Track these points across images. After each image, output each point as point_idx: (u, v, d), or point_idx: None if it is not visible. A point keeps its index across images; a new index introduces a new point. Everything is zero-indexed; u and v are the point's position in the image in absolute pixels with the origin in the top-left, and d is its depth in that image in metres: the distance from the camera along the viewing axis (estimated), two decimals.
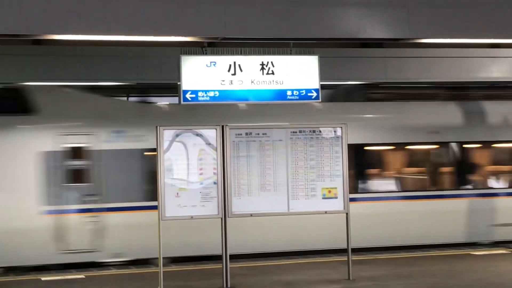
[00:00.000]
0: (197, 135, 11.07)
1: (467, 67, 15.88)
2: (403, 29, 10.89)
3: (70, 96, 14.79)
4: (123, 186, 14.12)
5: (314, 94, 11.94)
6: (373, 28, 10.95)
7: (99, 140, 14.07)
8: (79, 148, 13.99)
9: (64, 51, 14.72)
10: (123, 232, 13.88)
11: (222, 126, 11.09)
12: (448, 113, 15.99)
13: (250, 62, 11.68)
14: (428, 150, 16.20)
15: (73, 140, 13.96)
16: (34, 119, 13.97)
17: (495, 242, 15.44)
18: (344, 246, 11.49)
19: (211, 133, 11.06)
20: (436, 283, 11.09)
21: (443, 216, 15.35)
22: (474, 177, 16.25)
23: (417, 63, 15.85)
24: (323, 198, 11.46)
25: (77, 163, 13.99)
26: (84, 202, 13.84)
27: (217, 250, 11.28)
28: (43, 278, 12.13)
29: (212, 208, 10.99)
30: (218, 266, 11.19)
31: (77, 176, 13.91)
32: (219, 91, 11.56)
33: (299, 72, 11.87)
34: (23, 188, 13.64)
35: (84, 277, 12.24)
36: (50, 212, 13.60)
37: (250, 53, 11.82)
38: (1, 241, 13.28)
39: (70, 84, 15.16)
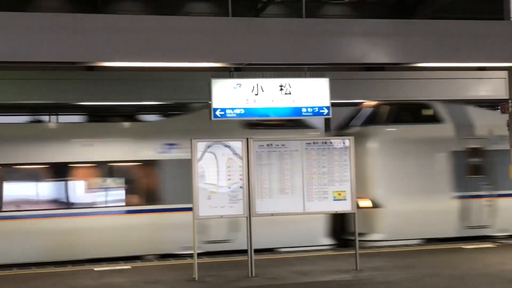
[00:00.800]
0: (226, 146, 11.23)
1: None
2: (401, 54, 10.97)
3: (464, 109, 16.10)
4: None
5: (326, 110, 12.06)
6: (376, 54, 11.03)
7: (490, 143, 15.63)
8: (477, 148, 15.67)
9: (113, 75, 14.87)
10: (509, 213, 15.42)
11: (247, 139, 11.24)
12: None
13: (271, 84, 11.81)
14: None
15: (472, 143, 15.62)
16: (445, 127, 15.61)
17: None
18: None
19: (238, 145, 11.20)
20: (433, 273, 11.05)
21: None
22: None
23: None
24: (334, 200, 11.48)
25: (475, 160, 15.67)
26: (482, 189, 15.50)
27: None
28: (95, 269, 12.24)
29: (238, 209, 11.10)
30: (245, 258, 11.27)
31: (475, 169, 15.65)
32: (244, 108, 11.71)
33: (312, 92, 11.97)
34: (440, 179, 15.38)
35: (130, 267, 12.36)
36: (458, 197, 15.35)
37: (270, 76, 11.95)
38: (424, 218, 15.02)
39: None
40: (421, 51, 11.05)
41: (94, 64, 10.78)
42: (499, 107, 14.52)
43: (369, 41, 10.99)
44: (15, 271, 12.45)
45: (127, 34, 10.24)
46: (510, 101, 14.04)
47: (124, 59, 10.40)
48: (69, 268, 12.54)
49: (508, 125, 14.20)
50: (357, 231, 11.53)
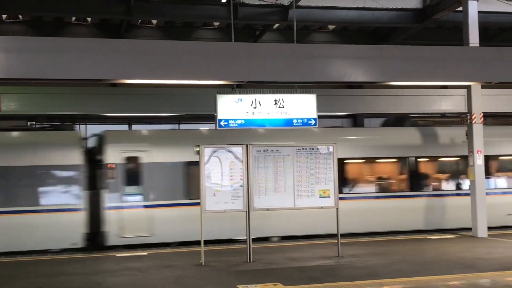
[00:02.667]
0: (229, 151, 11.23)
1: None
2: (377, 74, 11.00)
3: None
4: None
5: (313, 121, 12.11)
6: (356, 74, 11.05)
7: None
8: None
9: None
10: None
11: (247, 145, 11.25)
12: None
13: (267, 99, 11.87)
14: None
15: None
16: None
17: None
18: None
19: (239, 150, 11.22)
20: (403, 259, 11.10)
21: None
22: None
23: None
24: (319, 197, 11.52)
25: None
26: None
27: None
28: (117, 255, 12.27)
29: (239, 204, 11.14)
30: (245, 246, 11.30)
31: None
32: (244, 119, 11.76)
33: (302, 106, 12.04)
34: None
35: (147, 254, 12.38)
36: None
37: (266, 92, 12.01)
38: None
39: None
40: (394, 72, 11.08)
41: (117, 81, 10.75)
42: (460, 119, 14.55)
43: (350, 63, 11.01)
44: (49, 256, 12.43)
45: (146, 56, 10.25)
46: (468, 114, 14.08)
47: (143, 77, 10.40)
48: (94, 255, 12.52)
49: (466, 135, 14.24)
50: (339, 224, 11.53)
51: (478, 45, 13.59)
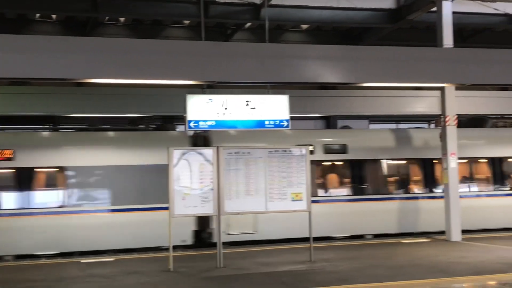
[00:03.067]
0: (199, 153, 11.23)
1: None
2: (350, 75, 11.12)
3: None
4: None
5: (285, 123, 12.18)
6: (329, 75, 11.14)
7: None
8: None
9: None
10: None
11: (217, 147, 11.27)
12: None
13: (238, 100, 11.89)
14: None
15: None
16: None
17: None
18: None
19: (209, 152, 11.23)
20: (376, 263, 11.20)
21: None
22: None
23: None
24: (292, 201, 11.58)
25: None
26: None
27: None
28: (82, 261, 12.15)
29: (209, 208, 11.12)
30: (215, 251, 11.31)
31: None
32: (215, 121, 11.77)
33: (274, 107, 12.09)
34: None
35: (113, 259, 12.30)
36: None
37: (238, 93, 12.05)
38: None
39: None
40: (368, 73, 11.19)
41: (82, 81, 10.67)
42: (434, 122, 14.77)
43: (323, 64, 11.09)
44: (9, 263, 12.28)
45: (113, 54, 10.19)
46: (442, 116, 14.30)
47: (110, 77, 10.35)
48: (58, 260, 12.40)
49: (440, 137, 14.47)
50: (311, 228, 11.61)
51: (452, 46, 13.82)
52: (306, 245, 12.00)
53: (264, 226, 14.25)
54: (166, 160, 11.06)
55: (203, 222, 14.20)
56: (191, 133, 14.79)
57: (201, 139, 14.81)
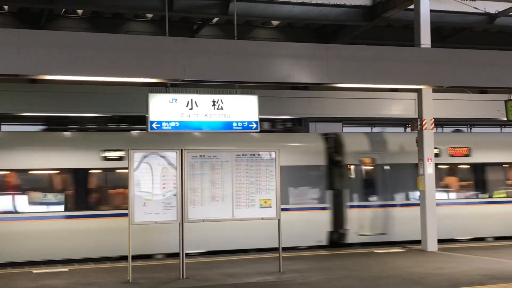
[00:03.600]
0: (161, 156, 11.08)
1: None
2: (323, 75, 11.11)
3: None
4: None
5: (254, 125, 12.11)
6: (300, 74, 11.13)
7: None
8: None
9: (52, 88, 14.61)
10: None
11: (181, 150, 11.14)
12: None
13: (204, 100, 11.79)
14: None
15: None
16: None
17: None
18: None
19: (172, 155, 11.08)
20: (348, 274, 11.19)
21: None
22: None
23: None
24: (260, 207, 11.50)
25: None
26: None
27: None
28: (34, 271, 11.92)
29: (172, 215, 10.97)
30: (177, 261, 11.16)
31: None
32: (179, 122, 11.64)
33: (243, 108, 12.02)
34: None
35: (68, 270, 12.09)
36: None
37: (204, 92, 11.93)
38: None
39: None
40: (341, 73, 11.21)
41: (36, 77, 10.48)
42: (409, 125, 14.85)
43: (294, 62, 11.09)
44: None
45: (69, 49, 10.04)
46: (418, 119, 14.38)
47: (66, 73, 10.19)
48: (8, 270, 12.13)
49: (416, 141, 14.55)
50: (280, 237, 11.55)
51: (430, 46, 13.91)
52: (275, 254, 11.93)
53: (393, 227, 15.42)
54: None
55: (337, 222, 15.29)
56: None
57: (331, 140, 15.83)
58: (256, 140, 15.03)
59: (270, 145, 14.43)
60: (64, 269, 12.19)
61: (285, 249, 13.32)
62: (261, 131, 13.57)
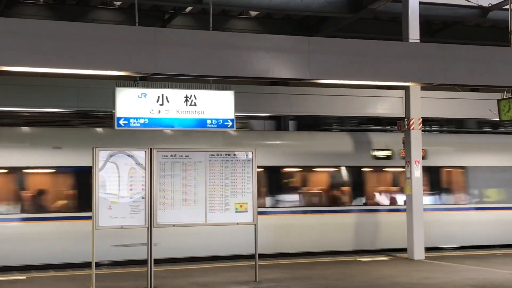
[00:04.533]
0: (129, 155, 11.06)
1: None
2: (304, 71, 11.16)
3: None
4: None
5: (230, 123, 12.13)
6: (280, 69, 11.16)
7: None
8: None
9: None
10: None
11: (151, 149, 11.12)
12: None
13: (176, 95, 11.78)
14: None
15: None
16: None
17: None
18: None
19: (141, 154, 11.06)
20: (329, 285, 11.26)
21: None
22: None
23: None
24: (235, 212, 11.51)
25: None
26: None
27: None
28: None
29: (140, 219, 10.93)
30: (145, 269, 11.15)
31: None
32: (148, 118, 11.63)
33: (218, 104, 12.03)
34: None
35: (25, 278, 12.01)
36: None
37: (176, 87, 11.94)
38: None
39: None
40: (324, 68, 11.26)
41: None
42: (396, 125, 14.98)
43: (274, 56, 11.10)
44: None
45: (29, 38, 9.95)
46: (406, 119, 14.53)
47: (26, 64, 10.11)
48: None
49: (403, 142, 14.69)
50: (257, 243, 11.59)
51: (418, 40, 14.05)
52: (250, 262, 11.98)
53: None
54: None
55: None
56: None
57: None
58: None
59: None
60: (22, 276, 12.12)
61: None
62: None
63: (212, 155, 11.53)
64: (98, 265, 12.59)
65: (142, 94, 11.59)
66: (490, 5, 16.83)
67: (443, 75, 12.00)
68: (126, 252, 13.21)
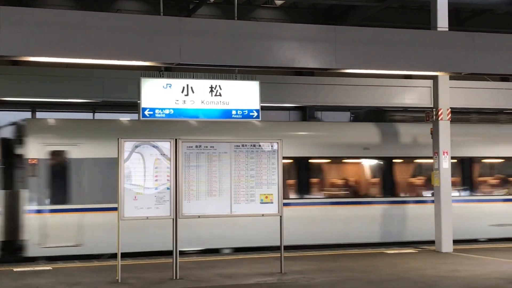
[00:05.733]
0: (154, 146, 11.11)
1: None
2: (330, 60, 11.12)
3: None
4: None
5: (255, 113, 12.14)
6: (306, 59, 11.14)
7: None
8: None
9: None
10: None
11: (176, 140, 11.16)
12: None
13: (201, 85, 11.82)
14: None
15: None
16: None
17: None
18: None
19: (166, 145, 11.10)
20: (355, 277, 11.25)
21: None
22: None
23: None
24: (261, 203, 11.52)
25: None
26: None
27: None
28: (15, 269, 12.00)
29: (165, 210, 11.00)
30: (170, 260, 11.21)
31: None
32: (173, 109, 11.68)
33: (243, 95, 12.05)
34: None
35: (51, 268, 12.15)
36: None
37: (201, 77, 11.97)
38: None
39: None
40: (350, 58, 11.23)
41: (19, 59, 10.49)
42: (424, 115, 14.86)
43: (299, 46, 11.10)
44: None
45: (56, 29, 10.06)
46: (434, 109, 14.41)
47: (52, 55, 10.22)
48: None
49: (431, 133, 14.57)
50: (282, 235, 11.60)
51: (447, 29, 13.92)
52: (276, 254, 11.97)
53: None
54: None
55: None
56: None
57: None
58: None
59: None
60: (48, 267, 12.25)
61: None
62: None
63: (237, 146, 11.52)
64: None
65: (167, 84, 11.65)
66: None
67: (473, 64, 11.89)
68: None
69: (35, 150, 13.81)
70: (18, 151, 14.06)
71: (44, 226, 13.58)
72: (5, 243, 13.74)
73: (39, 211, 13.67)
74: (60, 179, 13.86)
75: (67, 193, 13.92)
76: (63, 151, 14.00)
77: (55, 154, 13.95)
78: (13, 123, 14.98)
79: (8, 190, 13.99)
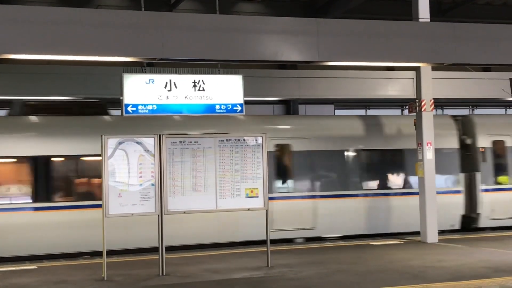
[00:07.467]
0: (137, 143, 11.07)
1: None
2: (313, 53, 11.13)
3: None
4: None
5: (239, 108, 12.12)
6: (289, 52, 11.14)
7: None
8: None
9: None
10: None
11: (159, 135, 11.13)
12: None
13: (184, 80, 11.79)
14: None
15: None
16: None
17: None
18: None
19: (150, 141, 11.07)
20: (342, 269, 11.27)
21: None
22: None
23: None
24: (246, 197, 11.53)
25: None
26: None
27: None
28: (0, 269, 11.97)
29: (150, 207, 10.98)
30: (156, 256, 11.20)
31: None
32: (156, 105, 11.64)
33: (226, 89, 12.03)
34: None
35: (36, 267, 12.08)
36: None
37: (184, 72, 11.93)
38: None
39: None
40: (333, 50, 11.24)
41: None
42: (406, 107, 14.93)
43: (282, 39, 11.09)
44: None
45: (35, 25, 9.98)
46: (417, 100, 14.47)
47: (32, 52, 10.14)
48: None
49: (415, 124, 14.64)
50: (268, 228, 11.61)
51: (429, 20, 13.96)
52: (262, 248, 11.99)
53: None
54: None
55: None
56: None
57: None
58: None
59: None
60: (33, 266, 12.19)
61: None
62: None
63: (221, 140, 11.52)
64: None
65: (149, 80, 11.61)
66: None
67: (455, 55, 11.94)
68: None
69: (483, 140, 16.94)
70: (468, 141, 17.01)
71: (492, 202, 16.62)
72: (465, 217, 16.68)
73: (488, 190, 16.71)
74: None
75: None
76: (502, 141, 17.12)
77: (497, 143, 17.12)
78: (457, 119, 17.28)
79: (467, 174, 16.90)
